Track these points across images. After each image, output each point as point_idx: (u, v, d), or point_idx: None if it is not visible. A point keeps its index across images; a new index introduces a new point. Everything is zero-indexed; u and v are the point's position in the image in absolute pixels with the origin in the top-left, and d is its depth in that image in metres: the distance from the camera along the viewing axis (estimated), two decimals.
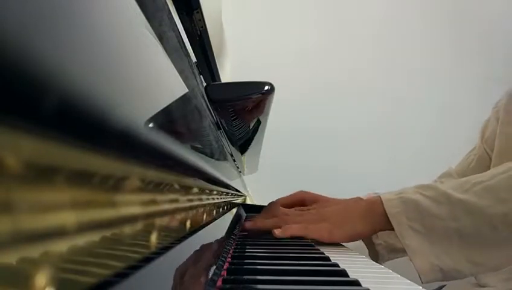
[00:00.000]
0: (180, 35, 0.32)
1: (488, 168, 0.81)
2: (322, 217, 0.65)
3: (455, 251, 0.57)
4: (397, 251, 0.72)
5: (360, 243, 0.74)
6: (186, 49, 0.33)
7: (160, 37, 0.21)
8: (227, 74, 0.74)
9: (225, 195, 0.58)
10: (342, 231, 0.63)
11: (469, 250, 0.56)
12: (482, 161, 0.84)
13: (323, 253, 0.53)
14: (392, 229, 0.61)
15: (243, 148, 0.71)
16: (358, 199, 0.74)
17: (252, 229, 0.68)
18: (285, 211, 0.70)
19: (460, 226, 0.56)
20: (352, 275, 0.40)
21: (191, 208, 0.29)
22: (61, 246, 0.10)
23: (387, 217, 0.61)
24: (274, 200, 0.78)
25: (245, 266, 0.43)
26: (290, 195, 0.77)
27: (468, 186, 0.58)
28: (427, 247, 0.57)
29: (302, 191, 0.77)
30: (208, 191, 0.39)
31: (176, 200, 0.24)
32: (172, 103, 0.21)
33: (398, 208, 0.60)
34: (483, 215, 0.56)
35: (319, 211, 0.67)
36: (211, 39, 0.43)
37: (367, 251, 0.75)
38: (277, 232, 0.64)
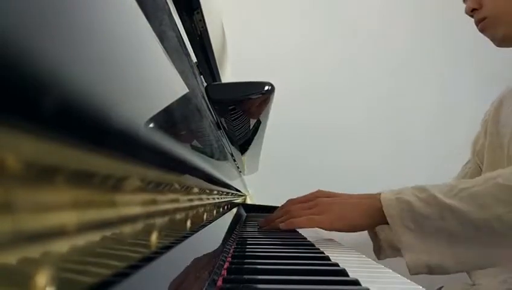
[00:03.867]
0: (181, 35, 0.32)
1: None
2: (325, 209, 0.71)
3: (443, 249, 0.62)
4: (397, 249, 0.74)
5: (361, 241, 0.78)
6: (186, 49, 0.33)
7: (161, 37, 0.21)
8: (228, 74, 0.74)
9: (225, 195, 0.58)
10: (342, 222, 0.70)
11: (455, 248, 0.62)
12: (476, 174, 0.89)
13: (323, 252, 0.53)
14: (388, 224, 0.67)
15: (243, 148, 0.71)
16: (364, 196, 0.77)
17: (264, 225, 0.79)
18: (290, 207, 0.76)
19: (447, 226, 0.62)
20: (353, 274, 0.40)
21: (191, 208, 0.29)
22: (61, 246, 0.10)
23: (385, 214, 0.67)
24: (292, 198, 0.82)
25: (245, 266, 0.43)
26: (305, 195, 0.81)
27: (456, 192, 0.64)
28: (418, 244, 0.63)
29: (319, 190, 0.80)
30: (208, 191, 0.38)
31: (176, 200, 0.24)
32: (173, 103, 0.21)
33: (395, 209, 0.66)
34: (467, 219, 0.61)
35: (323, 203, 0.73)
36: (211, 39, 0.43)
37: (369, 248, 0.78)
38: (281, 225, 0.73)
